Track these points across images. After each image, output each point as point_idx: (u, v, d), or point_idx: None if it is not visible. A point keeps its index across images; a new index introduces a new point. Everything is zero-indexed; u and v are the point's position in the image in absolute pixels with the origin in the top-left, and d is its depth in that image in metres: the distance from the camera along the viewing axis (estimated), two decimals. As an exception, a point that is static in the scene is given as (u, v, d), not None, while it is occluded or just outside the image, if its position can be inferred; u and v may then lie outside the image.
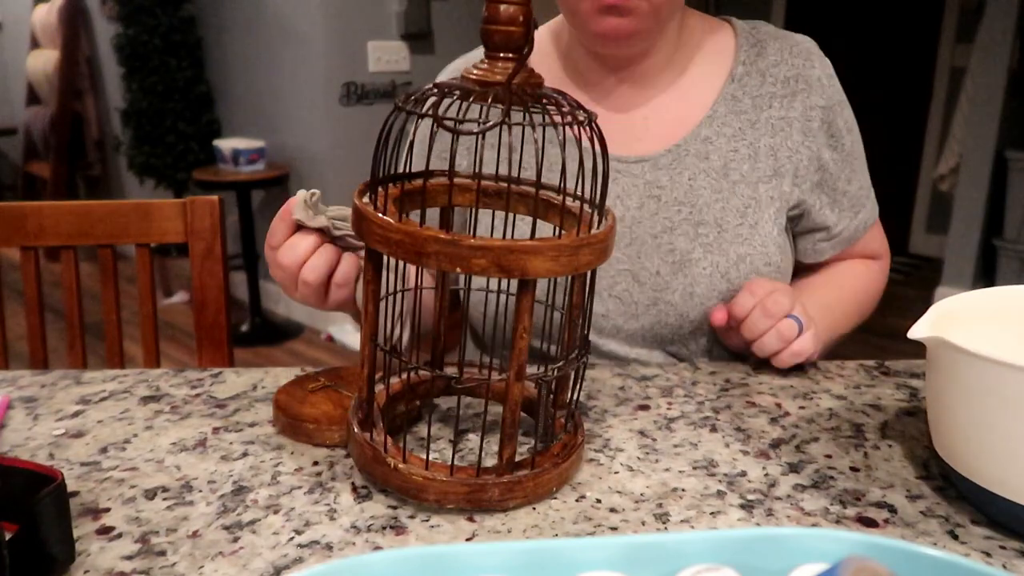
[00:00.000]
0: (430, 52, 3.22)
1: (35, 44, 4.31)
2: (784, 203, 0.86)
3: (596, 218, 0.57)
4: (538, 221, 0.70)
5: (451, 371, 0.72)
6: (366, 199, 0.57)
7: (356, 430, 0.59)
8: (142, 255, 1.06)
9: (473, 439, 0.67)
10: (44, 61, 4.16)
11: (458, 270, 0.51)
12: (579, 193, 0.60)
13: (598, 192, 0.57)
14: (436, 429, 0.68)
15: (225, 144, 3.18)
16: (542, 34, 0.93)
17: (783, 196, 0.86)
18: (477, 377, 0.68)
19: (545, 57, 0.90)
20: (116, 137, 3.89)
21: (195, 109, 3.52)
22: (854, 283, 0.95)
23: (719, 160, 0.85)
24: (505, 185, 0.64)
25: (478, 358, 0.90)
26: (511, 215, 0.72)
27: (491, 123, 0.52)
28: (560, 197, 0.62)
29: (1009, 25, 3.20)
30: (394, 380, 0.67)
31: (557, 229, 0.59)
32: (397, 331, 0.68)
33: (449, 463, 0.57)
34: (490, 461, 0.60)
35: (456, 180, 0.64)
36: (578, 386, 0.62)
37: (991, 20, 3.25)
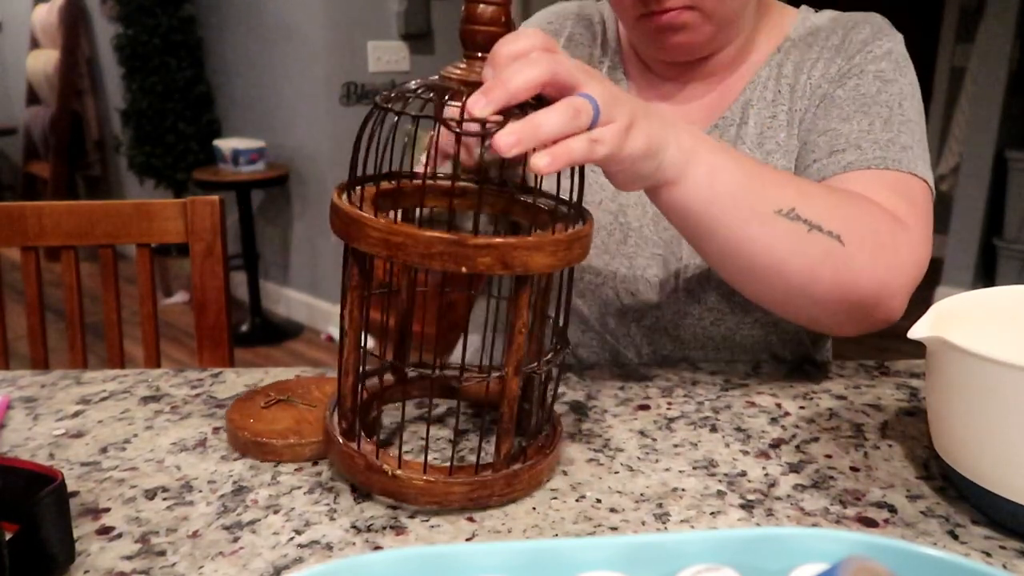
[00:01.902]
0: (430, 52, 3.22)
1: (35, 44, 4.31)
2: None
3: (575, 216, 0.57)
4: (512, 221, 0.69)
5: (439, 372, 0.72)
6: (344, 199, 0.57)
7: (341, 441, 0.58)
8: (142, 255, 1.06)
9: (444, 440, 0.67)
10: (44, 61, 4.16)
11: (464, 269, 0.51)
12: (555, 193, 0.60)
13: (575, 191, 0.57)
14: (408, 434, 0.68)
15: (225, 144, 3.18)
16: (570, 17, 0.93)
17: None
18: (476, 376, 0.68)
19: (604, 28, 0.91)
20: (116, 137, 3.89)
21: (195, 109, 3.52)
22: (836, 189, 0.70)
23: (756, 127, 0.81)
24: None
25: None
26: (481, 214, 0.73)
27: (492, 124, 0.52)
28: (532, 197, 0.62)
29: (1009, 25, 3.20)
30: (369, 383, 0.66)
31: (531, 227, 0.60)
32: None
33: (430, 465, 0.56)
34: (469, 460, 0.60)
35: (428, 182, 0.64)
36: (555, 381, 0.62)
37: (991, 20, 3.25)
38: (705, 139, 0.62)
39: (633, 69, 0.88)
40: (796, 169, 0.79)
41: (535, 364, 0.59)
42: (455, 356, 0.88)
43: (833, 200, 0.66)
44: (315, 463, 0.63)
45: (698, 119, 0.84)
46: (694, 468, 0.63)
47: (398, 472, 0.56)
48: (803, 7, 0.87)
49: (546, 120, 0.50)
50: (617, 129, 0.53)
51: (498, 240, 0.51)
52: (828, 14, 0.85)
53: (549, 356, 0.59)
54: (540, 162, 0.49)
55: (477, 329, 0.90)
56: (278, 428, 0.64)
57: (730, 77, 0.85)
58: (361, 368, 0.59)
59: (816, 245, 0.64)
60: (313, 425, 0.65)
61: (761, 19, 0.84)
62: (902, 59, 0.80)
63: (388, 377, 0.70)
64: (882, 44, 0.80)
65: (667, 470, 0.62)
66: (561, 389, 0.76)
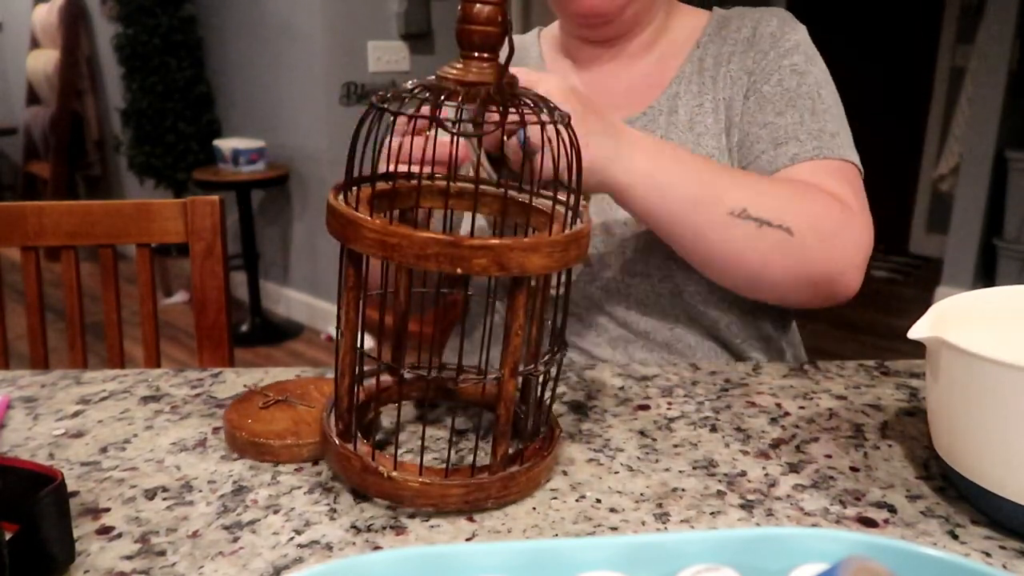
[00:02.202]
0: (430, 52, 3.22)
1: (35, 44, 4.31)
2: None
3: (572, 216, 0.57)
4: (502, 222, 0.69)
5: (422, 373, 0.72)
6: (340, 200, 0.56)
7: (337, 442, 0.58)
8: (142, 255, 1.06)
9: (443, 442, 0.67)
10: (44, 61, 4.16)
11: (459, 271, 0.51)
12: (553, 193, 0.60)
13: (573, 191, 0.57)
14: (407, 435, 0.68)
15: (225, 144, 3.18)
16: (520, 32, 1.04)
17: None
18: (472, 377, 0.68)
19: (529, 48, 1.00)
20: (116, 137, 3.88)
21: (195, 109, 3.52)
22: (786, 181, 0.80)
23: (686, 115, 0.89)
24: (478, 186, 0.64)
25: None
26: (478, 214, 0.73)
27: (491, 124, 0.52)
28: (528, 197, 0.62)
29: (1009, 25, 3.20)
30: (366, 384, 0.66)
31: (528, 228, 0.60)
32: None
33: (427, 466, 0.56)
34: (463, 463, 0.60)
35: (425, 182, 0.64)
36: (552, 382, 0.62)
37: (991, 20, 3.26)
38: (661, 154, 0.71)
39: (560, 70, 0.97)
40: (746, 157, 0.86)
41: (532, 366, 0.59)
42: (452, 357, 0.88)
43: (784, 195, 0.76)
44: (315, 463, 0.63)
45: (626, 107, 0.92)
46: (694, 468, 0.63)
47: (393, 474, 0.56)
48: (715, 8, 0.96)
49: None
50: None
51: (494, 241, 0.51)
52: (736, 9, 0.94)
53: (546, 358, 0.59)
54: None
55: (474, 330, 0.91)
56: (276, 429, 0.64)
57: (653, 70, 0.93)
58: (357, 369, 0.59)
59: (767, 239, 0.74)
60: (311, 426, 0.65)
61: (672, 10, 0.95)
62: (810, 49, 0.89)
63: (386, 378, 0.70)
64: (789, 37, 0.89)
65: (667, 470, 0.62)
66: (561, 389, 0.76)
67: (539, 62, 0.98)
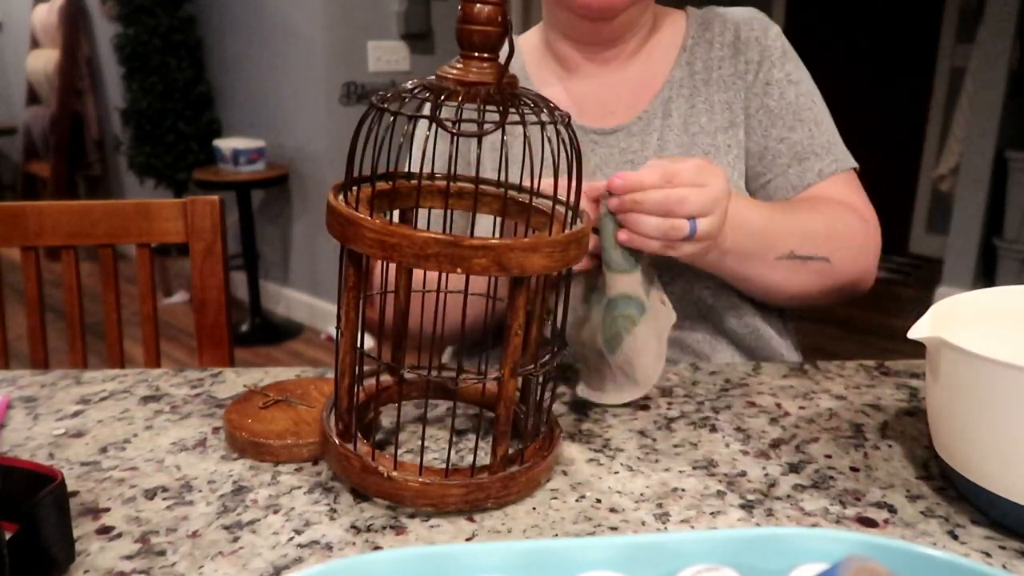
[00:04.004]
0: (430, 52, 3.22)
1: (35, 44, 4.31)
2: (740, 151, 0.92)
3: (572, 216, 0.57)
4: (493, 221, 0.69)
5: (419, 373, 0.72)
6: (341, 200, 0.56)
7: (337, 442, 0.58)
8: (142, 255, 1.06)
9: (443, 442, 0.67)
10: (44, 61, 4.16)
11: (459, 271, 0.51)
12: (554, 194, 0.60)
13: (573, 191, 0.57)
14: (407, 435, 0.68)
15: (225, 144, 3.18)
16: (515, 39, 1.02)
17: (739, 144, 0.92)
18: (472, 377, 0.68)
19: (519, 55, 1.00)
20: (116, 137, 3.88)
21: (195, 109, 3.52)
22: (824, 207, 0.89)
23: (679, 117, 0.92)
24: (485, 186, 0.64)
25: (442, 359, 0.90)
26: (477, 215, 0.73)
27: (490, 124, 0.52)
28: (528, 197, 0.62)
29: (1009, 25, 3.20)
30: (366, 384, 0.66)
31: (527, 228, 0.60)
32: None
33: (427, 466, 0.56)
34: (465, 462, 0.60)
35: (425, 182, 0.64)
36: (552, 382, 0.62)
37: (991, 20, 3.25)
38: (739, 221, 0.76)
39: (545, 78, 0.97)
40: (772, 170, 0.92)
41: (532, 366, 0.59)
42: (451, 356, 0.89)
43: (824, 228, 0.85)
44: (315, 463, 0.63)
45: (619, 113, 0.94)
46: (694, 468, 0.63)
47: (393, 474, 0.56)
48: (688, 8, 0.99)
49: (646, 222, 0.65)
50: (700, 248, 0.70)
51: (494, 241, 0.51)
52: (710, 9, 0.98)
53: (546, 358, 0.59)
54: (621, 236, 0.66)
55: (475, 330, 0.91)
56: (276, 429, 0.64)
57: (642, 76, 0.95)
58: (357, 369, 0.59)
59: (810, 270, 0.85)
60: (311, 426, 0.65)
61: (657, 13, 0.97)
62: (791, 51, 0.95)
63: (386, 378, 0.70)
64: (774, 43, 0.94)
65: (667, 470, 0.62)
66: (561, 388, 0.76)
67: (521, 71, 0.97)
